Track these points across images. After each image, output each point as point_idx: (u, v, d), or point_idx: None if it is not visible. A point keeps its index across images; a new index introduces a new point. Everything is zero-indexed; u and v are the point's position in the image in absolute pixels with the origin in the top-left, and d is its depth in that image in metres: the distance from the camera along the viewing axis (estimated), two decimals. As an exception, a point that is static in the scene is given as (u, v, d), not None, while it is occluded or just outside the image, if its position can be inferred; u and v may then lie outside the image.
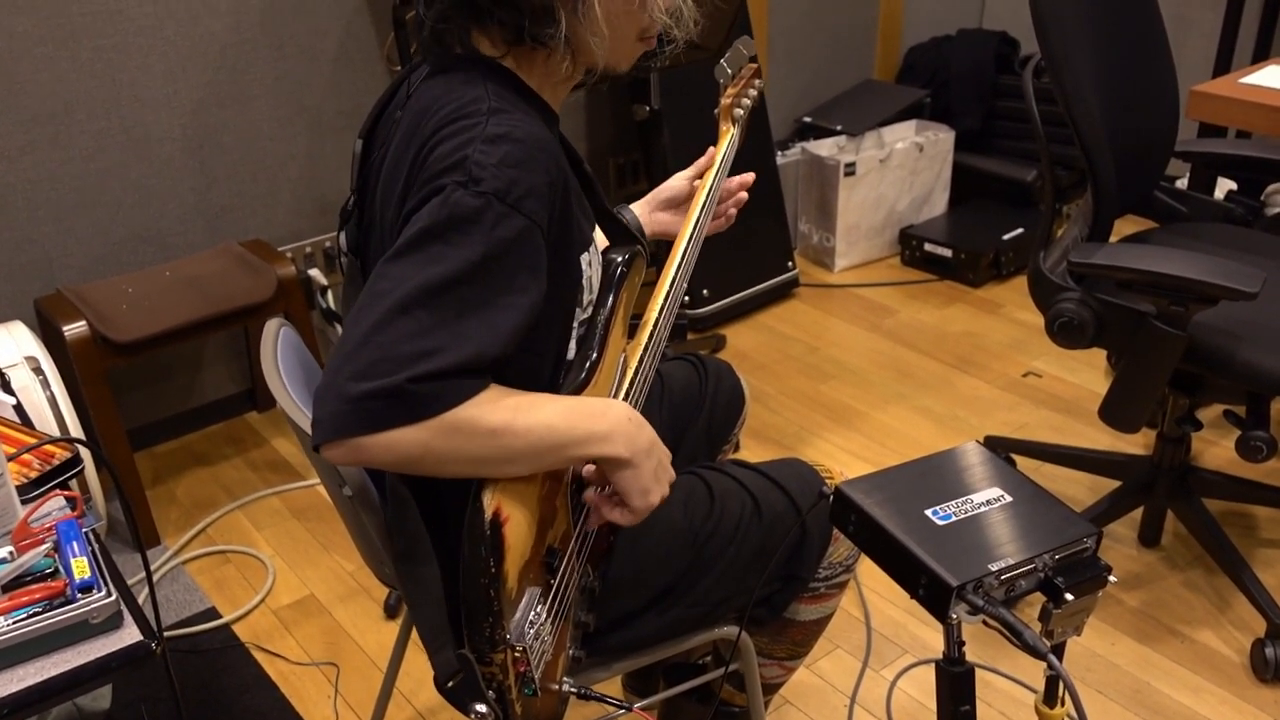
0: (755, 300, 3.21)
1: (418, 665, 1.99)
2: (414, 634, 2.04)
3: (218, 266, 2.44)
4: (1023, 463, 2.43)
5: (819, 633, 1.52)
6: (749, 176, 1.60)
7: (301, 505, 2.45)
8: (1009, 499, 1.00)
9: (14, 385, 1.91)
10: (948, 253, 3.34)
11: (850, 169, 3.31)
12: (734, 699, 1.61)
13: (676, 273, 1.41)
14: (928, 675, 1.93)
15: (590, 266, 1.21)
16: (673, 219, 1.58)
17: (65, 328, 2.17)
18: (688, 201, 1.59)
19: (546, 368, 1.19)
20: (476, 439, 1.00)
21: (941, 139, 3.49)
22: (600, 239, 1.31)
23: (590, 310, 1.24)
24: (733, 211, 1.60)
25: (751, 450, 2.57)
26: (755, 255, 3.20)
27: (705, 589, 1.34)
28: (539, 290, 1.06)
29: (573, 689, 1.19)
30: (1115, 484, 2.22)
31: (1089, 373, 2.84)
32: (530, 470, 1.06)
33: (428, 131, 1.08)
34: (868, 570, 2.17)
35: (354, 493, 1.17)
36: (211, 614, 2.14)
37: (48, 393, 2.05)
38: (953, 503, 0.99)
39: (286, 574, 2.24)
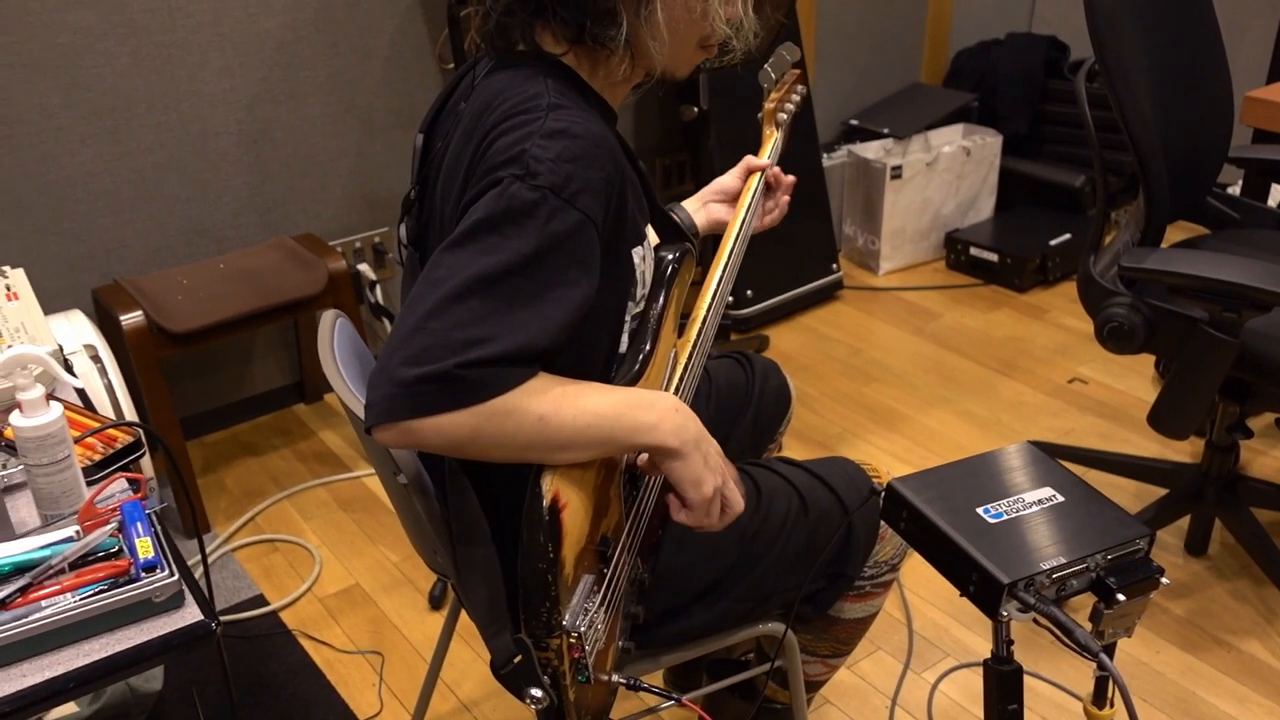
0: (799, 302, 3.21)
1: (461, 657, 2.01)
2: (459, 625, 2.07)
3: (270, 260, 2.48)
4: (1068, 469, 2.41)
5: (863, 631, 1.52)
6: (792, 179, 1.62)
7: (348, 497, 2.48)
8: (1061, 498, 1.00)
9: (75, 371, 1.95)
10: (993, 257, 3.33)
11: (896, 172, 3.30)
12: (776, 696, 1.61)
13: (724, 270, 1.43)
14: (969, 679, 1.92)
15: (644, 261, 1.22)
16: (729, 212, 1.59)
17: (123, 317, 2.22)
18: (736, 197, 1.60)
19: (599, 360, 1.20)
20: (524, 425, 1.02)
21: (989, 143, 3.47)
22: (652, 235, 1.33)
23: (642, 305, 1.25)
24: (785, 199, 1.61)
25: (793, 450, 2.58)
26: (800, 257, 3.20)
27: (751, 584, 1.35)
28: (590, 285, 1.07)
29: (622, 680, 1.20)
30: (1162, 492, 2.20)
31: (1135, 379, 2.81)
32: (580, 458, 1.08)
33: (488, 125, 1.10)
34: (910, 572, 2.17)
35: (409, 480, 1.19)
36: (259, 601, 2.17)
37: (105, 380, 2.10)
38: (1004, 501, 0.99)
39: (333, 564, 2.27)
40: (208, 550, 2.31)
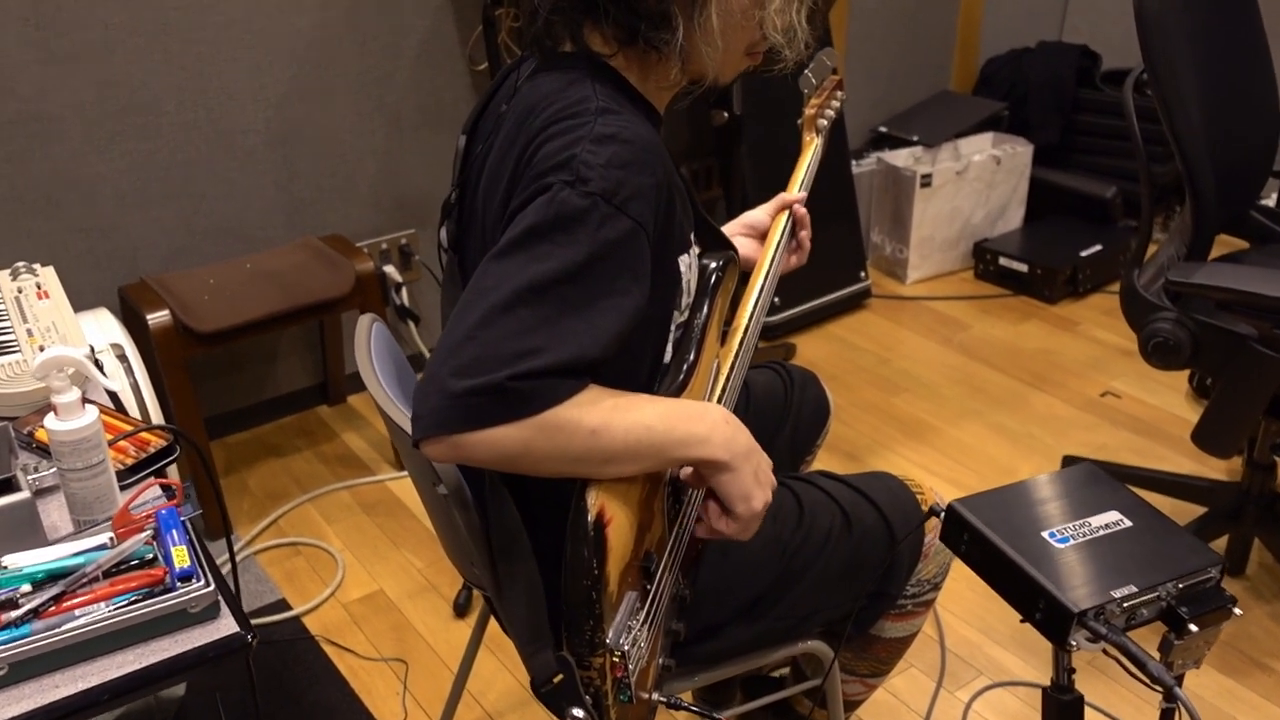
0: (826, 310, 3.17)
1: (487, 666, 1.98)
2: (485, 635, 2.04)
3: (297, 260, 2.46)
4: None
5: (903, 650, 1.49)
6: (805, 218, 1.56)
7: (371, 500, 2.46)
8: (1128, 523, 0.97)
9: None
10: (1023, 268, 3.29)
11: (926, 180, 3.26)
12: (813, 715, 1.58)
13: (754, 308, 1.39)
14: (1003, 698, 1.89)
15: (689, 269, 1.20)
16: (757, 249, 1.54)
17: (149, 316, 2.20)
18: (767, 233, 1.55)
19: (643, 370, 1.17)
20: (576, 438, 0.99)
21: (1019, 152, 3.43)
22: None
23: (687, 314, 1.22)
24: (804, 236, 1.54)
25: (823, 462, 2.54)
26: (827, 264, 3.17)
27: (793, 602, 1.32)
28: (641, 293, 1.04)
29: (663, 699, 1.17)
30: (1200, 510, 2.16)
31: (1169, 394, 2.77)
32: (628, 471, 1.05)
33: (534, 129, 1.07)
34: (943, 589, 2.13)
35: (450, 491, 1.17)
36: (282, 605, 2.15)
37: (131, 379, 2.08)
38: (1070, 525, 0.96)
39: (356, 569, 2.25)
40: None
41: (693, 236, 1.24)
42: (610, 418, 1.00)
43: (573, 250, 0.99)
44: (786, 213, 1.52)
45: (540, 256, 0.98)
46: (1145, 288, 1.90)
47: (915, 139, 3.44)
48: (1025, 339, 3.07)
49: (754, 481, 1.11)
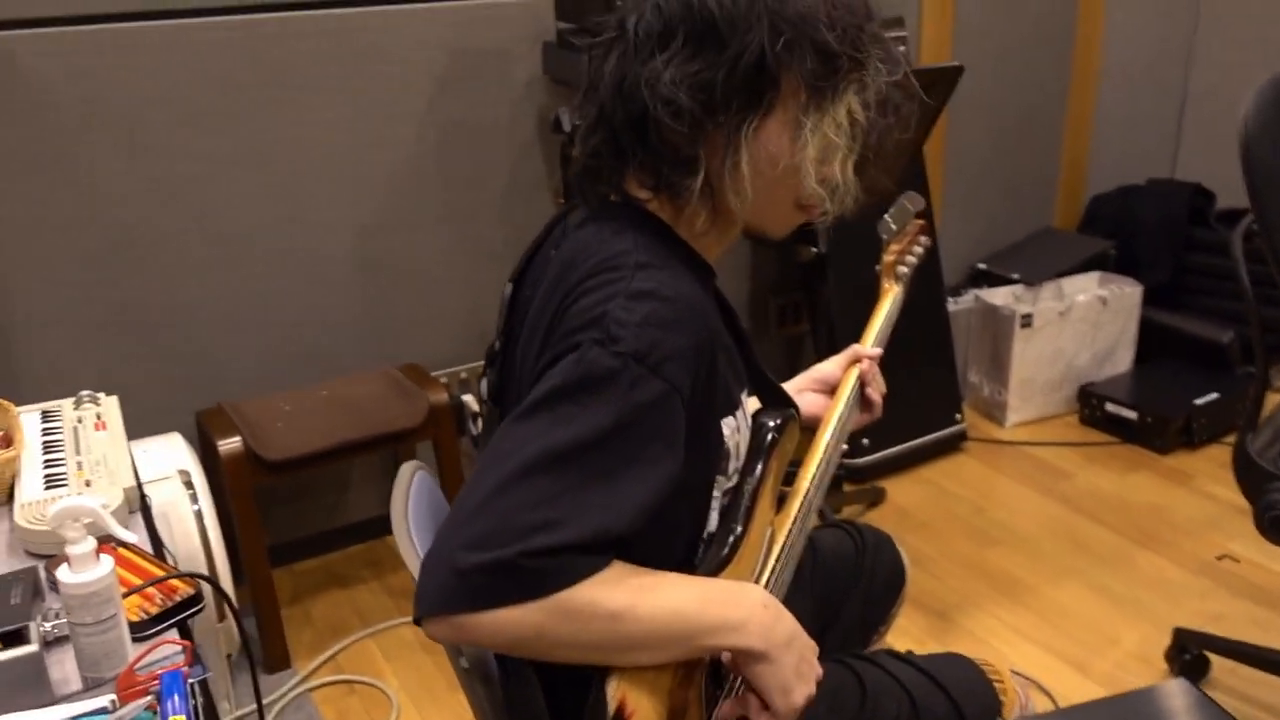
0: (919, 453, 3.03)
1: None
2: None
3: (373, 389, 2.45)
4: (1218, 663, 2.16)
5: None
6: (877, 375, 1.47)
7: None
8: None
9: (157, 500, 1.92)
10: (1132, 415, 3.10)
11: (1027, 320, 3.13)
12: None
13: (819, 467, 1.30)
14: None
15: (737, 433, 1.11)
16: (824, 403, 1.45)
17: (220, 442, 2.19)
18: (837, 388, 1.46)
19: (681, 541, 1.09)
20: (595, 622, 0.90)
21: (1127, 293, 3.28)
22: (750, 400, 1.21)
23: (736, 478, 1.14)
24: (877, 400, 1.44)
25: (907, 617, 2.39)
26: (921, 405, 3.04)
27: (850, 801, 1.19)
28: (674, 462, 0.96)
29: None
30: (1330, 699, 1.95)
31: (1295, 561, 2.55)
32: (653, 660, 0.96)
33: (572, 283, 1.01)
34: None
35: (470, 664, 1.09)
36: (331, 749, 2.07)
37: (195, 507, 2.07)
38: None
39: (410, 711, 2.16)
40: (284, 689, 2.23)
41: (744, 395, 1.17)
42: (635, 600, 0.92)
43: (599, 414, 0.92)
44: (857, 367, 1.43)
45: (564, 419, 0.92)
46: (1261, 453, 1.74)
47: (1015, 277, 3.32)
48: (1134, 492, 2.88)
49: (794, 674, 1.00)
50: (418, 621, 0.90)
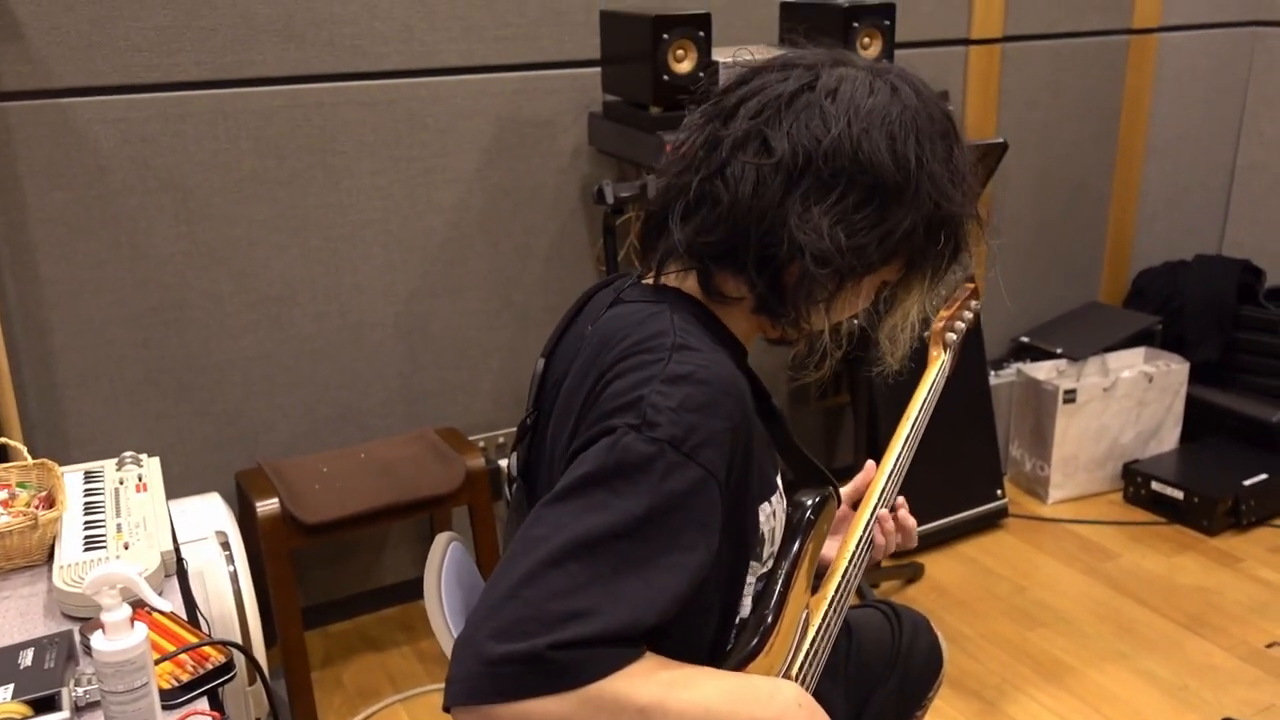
0: (959, 528, 2.99)
1: None
2: None
3: (410, 452, 2.46)
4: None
5: None
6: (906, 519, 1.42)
7: (462, 706, 2.36)
8: None
9: (193, 561, 1.93)
10: (1179, 494, 3.04)
11: (1070, 396, 3.10)
12: None
13: (872, 513, 1.28)
14: None
15: (773, 518, 1.10)
16: (849, 515, 1.42)
17: (258, 504, 2.21)
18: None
19: (710, 627, 1.07)
20: (623, 716, 0.89)
21: (1174, 370, 3.24)
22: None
23: (770, 563, 1.12)
24: (890, 541, 1.40)
25: (945, 699, 2.33)
26: (961, 479, 3.00)
27: None
28: (708, 549, 0.95)
29: None
30: (1388, 800, 1.87)
31: (1350, 651, 2.47)
32: None
33: (607, 363, 1.01)
34: None
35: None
36: (356, 818, 2.05)
37: (230, 569, 2.07)
38: None
39: (437, 782, 2.14)
40: (313, 754, 2.21)
41: (779, 479, 1.16)
42: (665, 695, 0.90)
43: (633, 501, 0.91)
44: (876, 487, 1.38)
45: (597, 506, 0.91)
46: (1311, 542, 1.70)
47: (1059, 351, 3.28)
48: (1180, 574, 2.81)
49: (828, 771, 0.98)
50: (447, 709, 0.89)
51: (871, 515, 1.32)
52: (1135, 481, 3.16)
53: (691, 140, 1.08)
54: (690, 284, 1.10)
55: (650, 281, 1.13)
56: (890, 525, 1.37)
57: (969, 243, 1.08)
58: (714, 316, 1.09)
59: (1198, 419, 3.31)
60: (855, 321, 1.16)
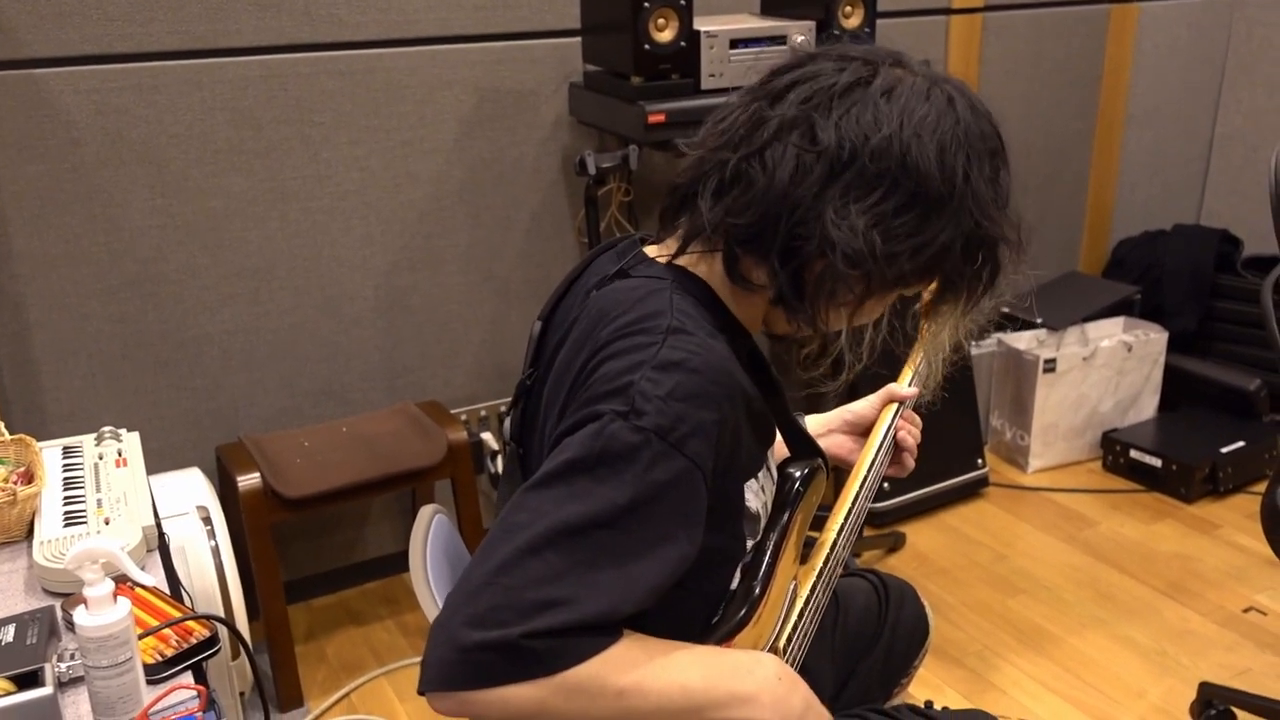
0: (940, 497, 3.01)
1: None
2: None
3: (392, 426, 2.45)
4: (1245, 718, 2.12)
5: None
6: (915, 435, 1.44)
7: (447, 679, 2.36)
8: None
9: (175, 536, 1.92)
10: (1157, 462, 3.07)
11: (1050, 365, 3.11)
12: None
13: (848, 514, 1.28)
14: None
15: (762, 493, 1.10)
16: (856, 445, 1.44)
17: (239, 478, 2.19)
18: (870, 429, 1.44)
19: (698, 602, 1.06)
20: (601, 699, 0.88)
21: (1152, 339, 3.25)
22: (778, 445, 1.20)
23: (759, 535, 1.12)
24: (907, 458, 1.43)
25: (928, 667, 2.35)
26: (942, 449, 3.01)
27: None
28: (691, 541, 0.94)
29: None
30: (1363, 760, 1.90)
31: (1324, 615, 2.50)
32: None
33: (601, 340, 1.00)
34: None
35: None
36: (342, 790, 2.05)
37: (212, 543, 2.06)
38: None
39: (423, 754, 2.14)
40: (298, 728, 2.21)
41: (770, 452, 1.15)
42: (641, 677, 0.90)
43: (616, 491, 0.90)
44: (895, 406, 1.41)
45: (579, 494, 0.90)
46: (1290, 507, 1.72)
47: (1039, 321, 3.30)
48: (1158, 541, 2.84)
49: (809, 746, 0.98)
50: (422, 693, 0.88)
51: (859, 490, 1.31)
52: (1114, 450, 3.18)
53: (734, 117, 1.03)
54: (702, 266, 1.08)
55: (655, 248, 1.11)
56: (917, 429, 1.41)
57: (1006, 269, 1.05)
58: (717, 299, 1.07)
59: (1176, 388, 3.33)
60: (880, 337, 1.15)
